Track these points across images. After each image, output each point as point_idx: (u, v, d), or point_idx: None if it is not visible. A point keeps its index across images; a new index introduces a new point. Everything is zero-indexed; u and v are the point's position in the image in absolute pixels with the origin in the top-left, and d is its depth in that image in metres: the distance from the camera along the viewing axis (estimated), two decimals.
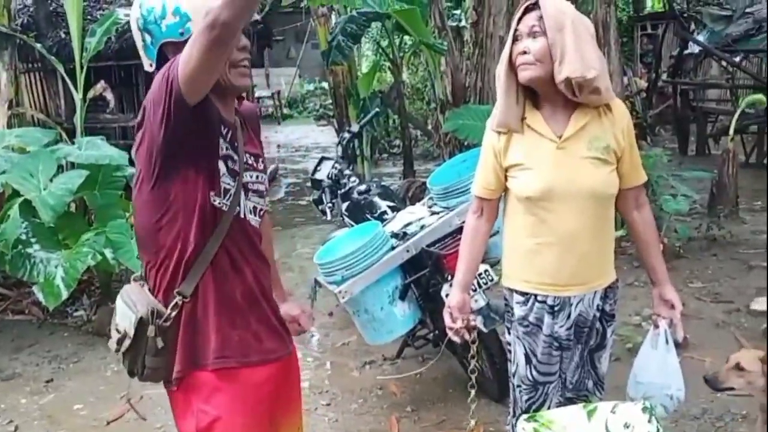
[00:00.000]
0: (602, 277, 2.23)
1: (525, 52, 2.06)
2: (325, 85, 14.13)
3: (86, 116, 6.16)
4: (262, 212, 1.91)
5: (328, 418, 3.51)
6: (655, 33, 14.21)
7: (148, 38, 1.79)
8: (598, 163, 2.11)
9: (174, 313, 1.75)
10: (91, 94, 6.10)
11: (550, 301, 2.17)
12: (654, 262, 2.28)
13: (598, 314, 2.23)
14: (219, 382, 1.77)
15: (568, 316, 2.18)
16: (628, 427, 1.16)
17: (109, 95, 6.34)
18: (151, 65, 1.81)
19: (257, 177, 1.89)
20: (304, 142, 15.02)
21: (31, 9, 8.59)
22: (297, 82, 21.11)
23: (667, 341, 2.24)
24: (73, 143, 5.28)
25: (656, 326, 2.26)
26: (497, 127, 2.17)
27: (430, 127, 10.89)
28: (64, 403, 3.86)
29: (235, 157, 1.79)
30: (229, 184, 1.76)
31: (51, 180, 4.57)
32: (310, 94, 21.01)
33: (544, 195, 2.11)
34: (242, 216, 1.81)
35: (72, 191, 4.53)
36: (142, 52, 1.83)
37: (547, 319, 2.19)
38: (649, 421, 1.17)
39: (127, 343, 1.77)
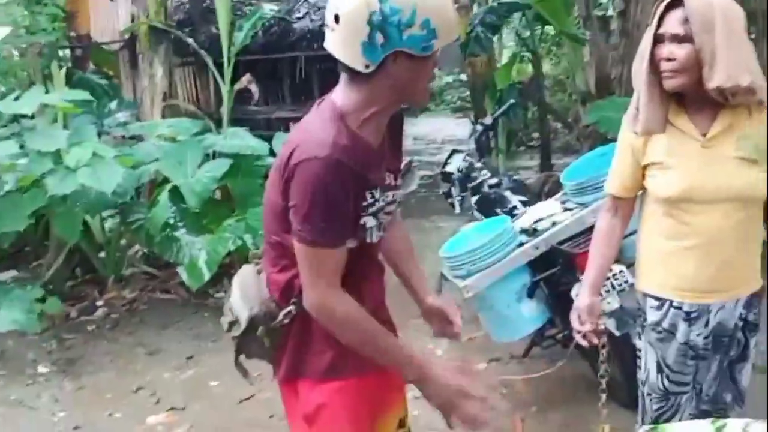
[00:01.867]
0: (746, 284, 2.06)
1: (670, 59, 1.92)
2: (463, 76, 14.01)
3: (233, 108, 6.46)
4: (386, 227, 1.82)
5: None
6: None
7: (379, 38, 1.56)
8: (747, 164, 1.94)
9: (287, 321, 1.76)
10: (237, 86, 6.38)
11: (686, 308, 2.04)
12: None
13: (740, 324, 2.07)
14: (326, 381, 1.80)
15: (706, 324, 2.04)
16: None
17: (254, 88, 6.60)
18: (367, 66, 1.60)
19: (393, 196, 1.79)
20: (440, 135, 14.97)
21: (187, 6, 9.09)
22: (435, 74, 21.07)
23: None
24: (219, 133, 5.57)
25: None
26: (642, 134, 2.03)
27: (571, 119, 10.55)
28: (203, 379, 4.08)
29: (378, 199, 1.71)
30: (367, 221, 1.70)
31: (198, 168, 4.83)
32: (448, 86, 20.91)
33: (686, 196, 1.97)
34: (369, 242, 1.75)
35: (216, 179, 4.79)
36: (356, 48, 1.58)
37: (682, 326, 2.05)
38: None
39: (236, 330, 1.82)
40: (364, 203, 1.67)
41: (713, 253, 2.00)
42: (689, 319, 2.04)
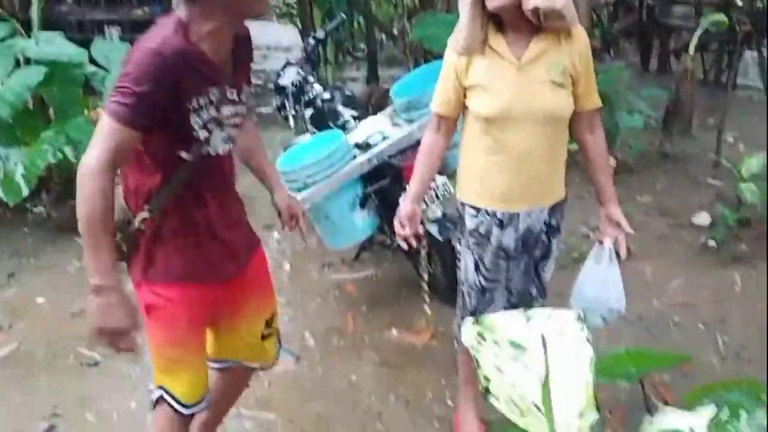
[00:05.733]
0: (551, 195, 2.35)
1: None
2: None
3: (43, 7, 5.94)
4: (234, 139, 1.93)
5: (288, 316, 3.67)
6: None
7: None
8: (555, 87, 2.19)
9: (142, 227, 1.84)
10: None
11: (499, 215, 2.30)
12: (603, 183, 2.40)
13: (544, 228, 2.37)
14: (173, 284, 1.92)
15: (516, 229, 2.32)
16: (561, 333, 1.30)
17: None
18: None
19: (236, 111, 1.89)
20: (265, 41, 14.61)
21: None
22: None
23: (610, 258, 2.37)
24: (29, 37, 5.13)
25: (601, 243, 2.40)
26: (462, 51, 2.22)
27: (396, 31, 10.73)
28: (27, 296, 3.96)
29: (210, 107, 1.79)
30: (200, 133, 1.79)
31: (8, 76, 4.49)
32: None
33: (502, 116, 2.19)
34: (212, 154, 1.85)
35: (31, 88, 4.49)
36: None
37: (496, 231, 2.32)
38: (581, 329, 1.30)
39: None
40: (189, 106, 1.75)
41: (524, 168, 2.26)
42: (502, 225, 2.32)
